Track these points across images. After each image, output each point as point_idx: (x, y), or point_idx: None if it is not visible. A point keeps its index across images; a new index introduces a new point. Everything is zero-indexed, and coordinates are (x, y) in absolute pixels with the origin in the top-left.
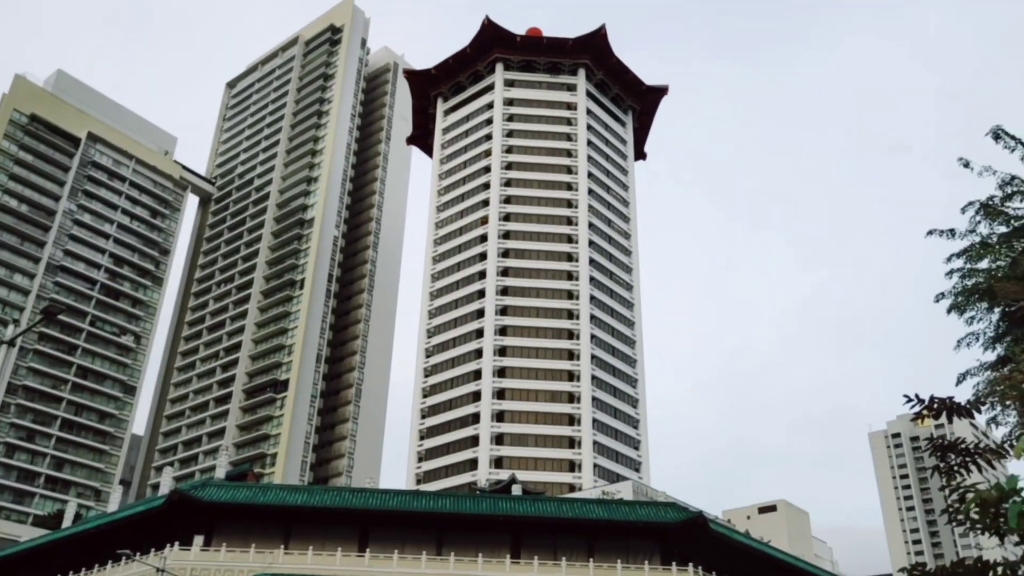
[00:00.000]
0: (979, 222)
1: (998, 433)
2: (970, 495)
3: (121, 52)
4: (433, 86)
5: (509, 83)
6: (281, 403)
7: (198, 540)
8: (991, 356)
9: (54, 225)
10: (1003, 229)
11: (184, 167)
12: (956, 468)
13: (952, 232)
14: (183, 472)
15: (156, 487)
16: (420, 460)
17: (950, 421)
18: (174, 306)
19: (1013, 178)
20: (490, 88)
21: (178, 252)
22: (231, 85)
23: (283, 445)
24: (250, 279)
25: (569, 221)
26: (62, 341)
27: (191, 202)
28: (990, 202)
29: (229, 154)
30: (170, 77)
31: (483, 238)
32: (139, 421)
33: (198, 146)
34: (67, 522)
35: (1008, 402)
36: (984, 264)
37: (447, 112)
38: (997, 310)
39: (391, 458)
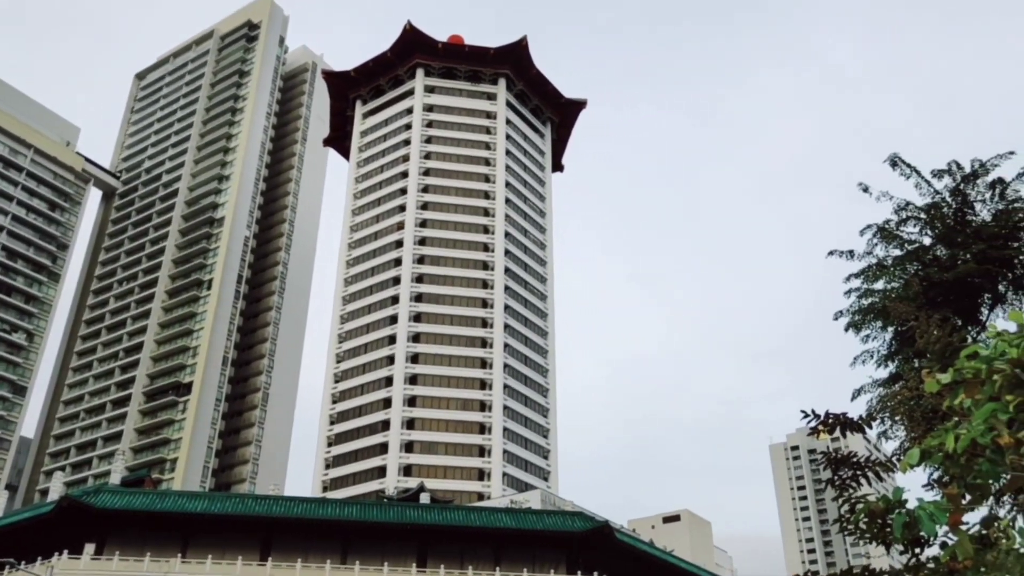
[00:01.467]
0: (876, 244)
1: (888, 447)
2: (860, 506)
3: (21, 37)
4: (352, 88)
5: (429, 89)
6: (183, 406)
7: (89, 548)
8: (884, 373)
9: None
10: (898, 252)
11: (87, 159)
12: (848, 481)
13: (851, 253)
14: (75, 477)
15: (45, 493)
16: (327, 467)
17: (844, 436)
18: (71, 303)
19: (908, 204)
20: (410, 93)
21: (78, 247)
22: (140, 77)
23: (184, 450)
24: (155, 277)
25: (486, 230)
26: None
27: (93, 196)
28: (886, 226)
29: (136, 148)
30: (73, 65)
31: (398, 244)
32: (29, 423)
33: (103, 139)
34: None
35: (897, 417)
36: (880, 285)
37: (365, 115)
38: (891, 329)
39: (297, 465)
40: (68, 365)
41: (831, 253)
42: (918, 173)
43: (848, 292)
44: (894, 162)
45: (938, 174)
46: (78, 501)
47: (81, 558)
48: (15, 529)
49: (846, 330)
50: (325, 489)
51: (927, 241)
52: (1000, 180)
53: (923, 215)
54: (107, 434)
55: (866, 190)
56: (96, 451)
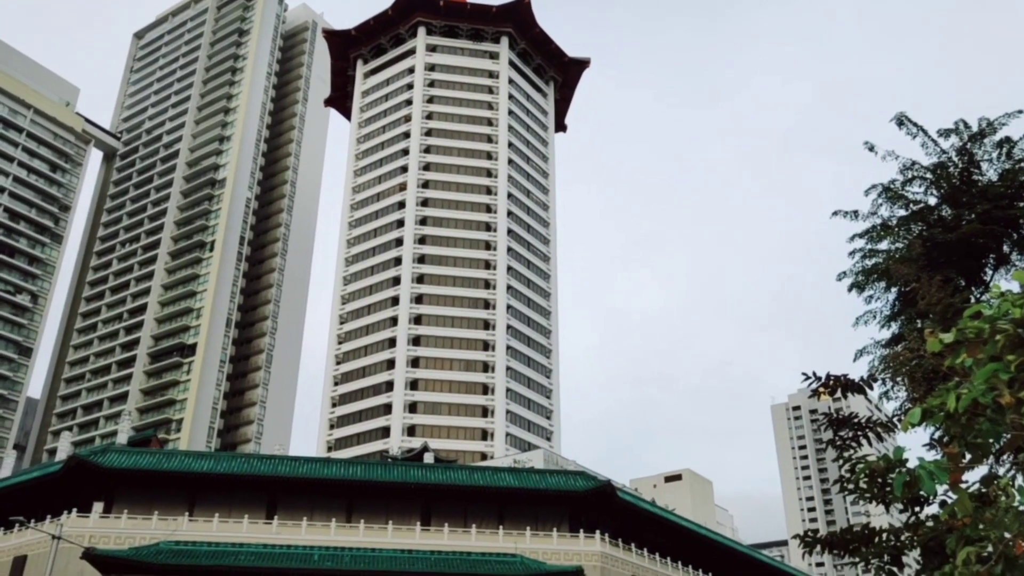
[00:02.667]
0: (881, 205)
1: (889, 407)
2: (860, 466)
3: None
4: (353, 47)
5: (431, 48)
6: (188, 367)
7: (97, 507)
8: (886, 334)
9: None
10: (902, 212)
11: (87, 119)
12: (848, 441)
13: (856, 213)
14: (82, 437)
15: (53, 452)
16: (332, 427)
17: (845, 396)
18: (75, 265)
19: (913, 163)
20: (411, 52)
21: (80, 208)
22: (139, 36)
23: (189, 410)
24: (157, 239)
25: (488, 190)
26: None
27: (94, 157)
28: (891, 186)
29: (136, 108)
30: (72, 24)
31: (401, 204)
32: (35, 384)
33: (103, 99)
34: None
35: (898, 378)
36: (884, 245)
37: (367, 75)
38: (893, 290)
39: (302, 425)
40: (73, 326)
41: (835, 213)
42: (924, 132)
43: (852, 253)
44: (900, 121)
45: (945, 133)
46: (86, 461)
47: (90, 516)
48: (24, 488)
49: (849, 291)
50: (330, 449)
51: (932, 201)
52: (1007, 139)
53: (929, 175)
54: (113, 395)
55: (871, 149)
56: (102, 412)
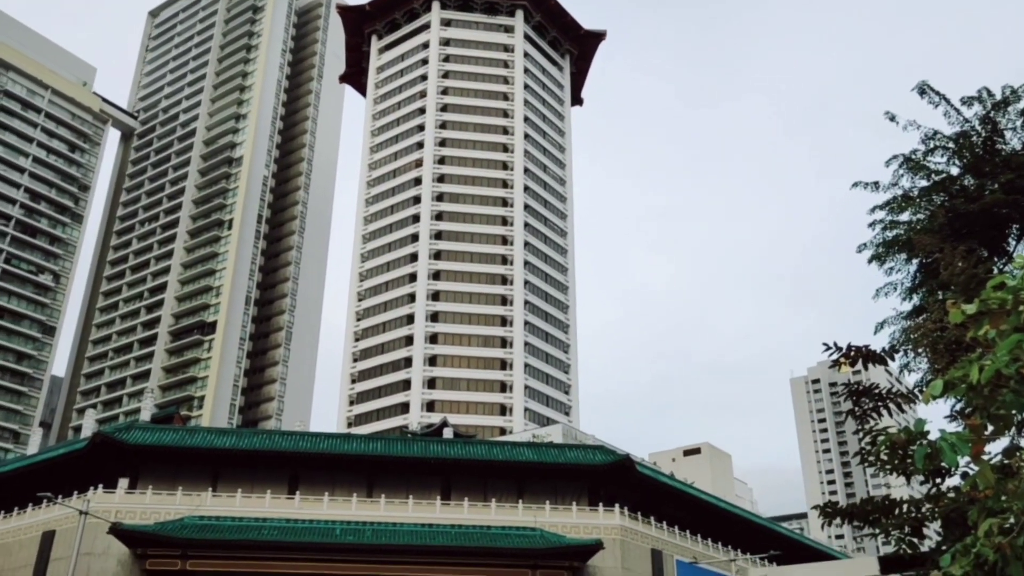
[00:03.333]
0: (902, 175)
1: (910, 379)
2: (881, 438)
3: None
4: (367, 23)
5: (446, 23)
6: (209, 345)
7: (122, 483)
8: (907, 306)
9: None
10: (924, 183)
11: (104, 99)
12: (869, 412)
13: (876, 185)
14: (106, 415)
15: (78, 430)
16: (351, 403)
17: (866, 368)
18: (95, 244)
19: (935, 133)
20: (426, 27)
21: (99, 188)
22: (154, 14)
23: (211, 388)
24: (176, 218)
25: (504, 166)
26: None
27: (112, 137)
28: (913, 156)
29: (152, 87)
30: (87, 2)
31: (417, 181)
32: (60, 362)
33: (119, 79)
34: None
35: (920, 349)
36: (905, 216)
37: (381, 51)
38: (915, 261)
39: (322, 402)
40: (95, 305)
41: (855, 185)
42: (947, 101)
43: (872, 224)
44: (922, 90)
45: (968, 102)
46: (110, 437)
47: (115, 492)
48: (51, 465)
49: (869, 262)
50: (350, 425)
51: (955, 171)
52: None
53: (951, 144)
54: (135, 372)
55: (893, 119)
56: (126, 389)
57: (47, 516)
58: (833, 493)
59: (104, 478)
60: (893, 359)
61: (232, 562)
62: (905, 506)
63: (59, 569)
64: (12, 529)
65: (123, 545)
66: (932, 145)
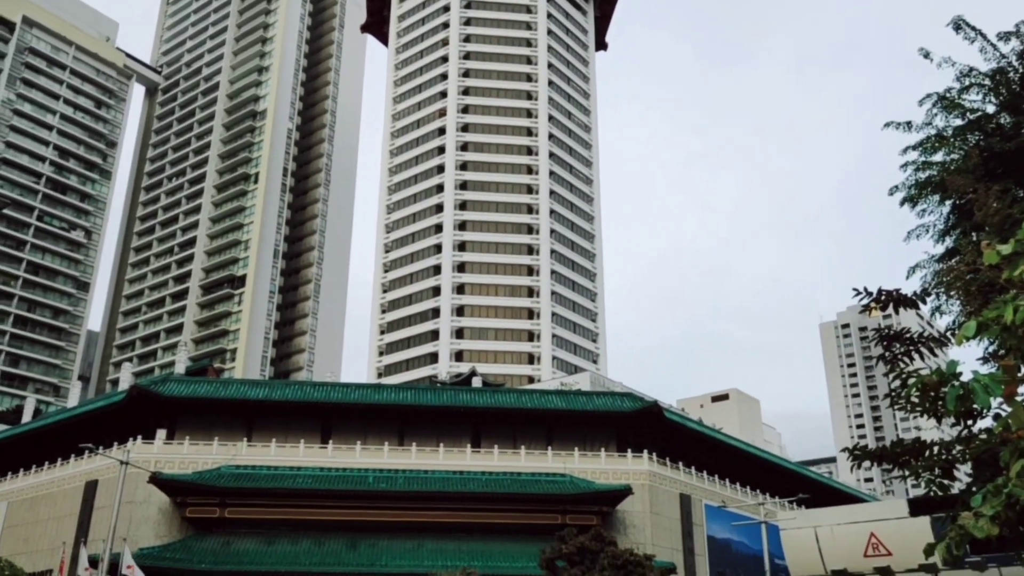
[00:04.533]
0: (936, 115)
1: (942, 323)
2: (912, 380)
3: None
4: None
5: None
6: (239, 299)
7: (160, 434)
8: (940, 248)
9: None
10: (959, 122)
11: (127, 55)
12: (900, 356)
13: (909, 125)
14: (142, 368)
15: (115, 383)
16: (381, 354)
17: (897, 312)
18: (125, 200)
19: (971, 70)
20: None
21: (126, 144)
22: None
23: (242, 341)
24: (202, 172)
25: (529, 113)
26: (10, 237)
27: (137, 92)
28: (947, 94)
29: (175, 41)
30: None
31: (441, 131)
32: (95, 317)
33: (141, 32)
34: (27, 417)
35: (952, 292)
36: (938, 157)
37: None
38: (948, 203)
39: (352, 353)
40: (127, 261)
41: (887, 125)
42: (983, 36)
43: (904, 166)
44: (958, 25)
45: (1005, 37)
46: (147, 390)
47: (154, 443)
48: (91, 417)
49: (901, 204)
50: (380, 375)
51: (990, 109)
52: None
53: (987, 81)
54: (169, 326)
55: (927, 56)
56: (160, 343)
57: (89, 466)
58: (862, 437)
59: (142, 429)
60: (925, 302)
61: (269, 509)
62: (936, 448)
63: (103, 517)
64: (56, 479)
65: (163, 494)
66: (967, 83)
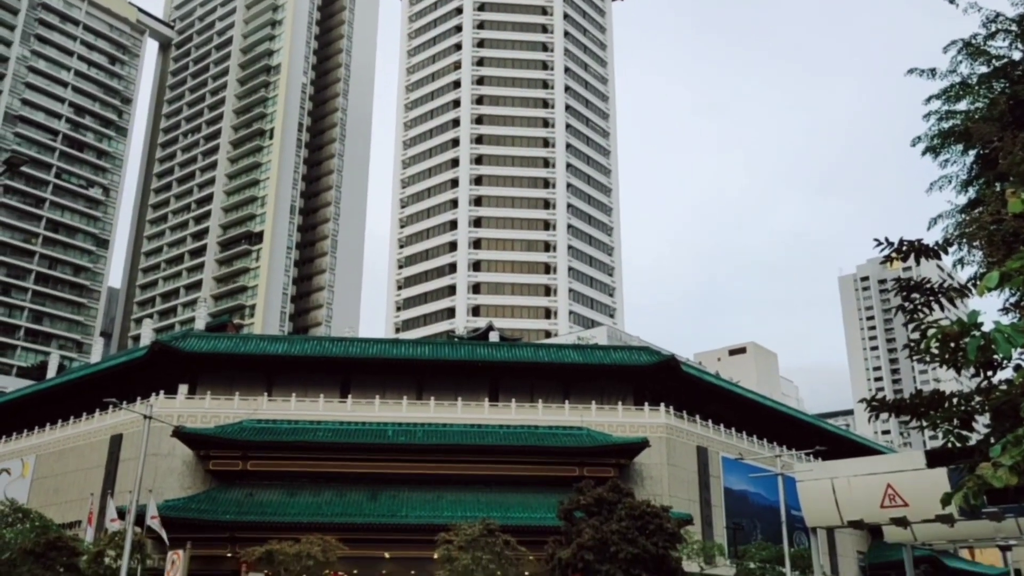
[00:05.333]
0: (960, 62)
1: (963, 274)
2: (932, 331)
3: None
4: None
5: None
6: (257, 255)
7: (182, 389)
8: (962, 199)
9: (8, 72)
10: (984, 69)
11: (140, 9)
12: (919, 307)
13: (932, 72)
14: (163, 324)
15: (137, 339)
16: (398, 309)
17: (918, 263)
18: (141, 157)
19: (998, 15)
20: None
21: (141, 101)
22: None
23: (261, 296)
24: (217, 128)
25: (544, 65)
26: (29, 194)
27: (151, 48)
28: (973, 41)
29: None
30: None
31: (456, 84)
32: (115, 274)
33: None
34: (51, 373)
35: (975, 242)
36: (962, 106)
37: None
38: (972, 152)
39: (370, 308)
40: (144, 218)
41: (911, 71)
42: None
43: (927, 115)
44: None
45: None
46: (168, 346)
47: (176, 397)
48: (114, 372)
49: (923, 155)
50: (398, 331)
51: (1017, 56)
52: None
53: (1014, 27)
54: (188, 283)
55: (952, 1)
56: (179, 299)
57: (114, 420)
58: (880, 390)
59: (164, 384)
60: (947, 252)
61: (290, 462)
62: (955, 399)
63: (128, 469)
64: (83, 432)
65: (187, 447)
66: (993, 29)
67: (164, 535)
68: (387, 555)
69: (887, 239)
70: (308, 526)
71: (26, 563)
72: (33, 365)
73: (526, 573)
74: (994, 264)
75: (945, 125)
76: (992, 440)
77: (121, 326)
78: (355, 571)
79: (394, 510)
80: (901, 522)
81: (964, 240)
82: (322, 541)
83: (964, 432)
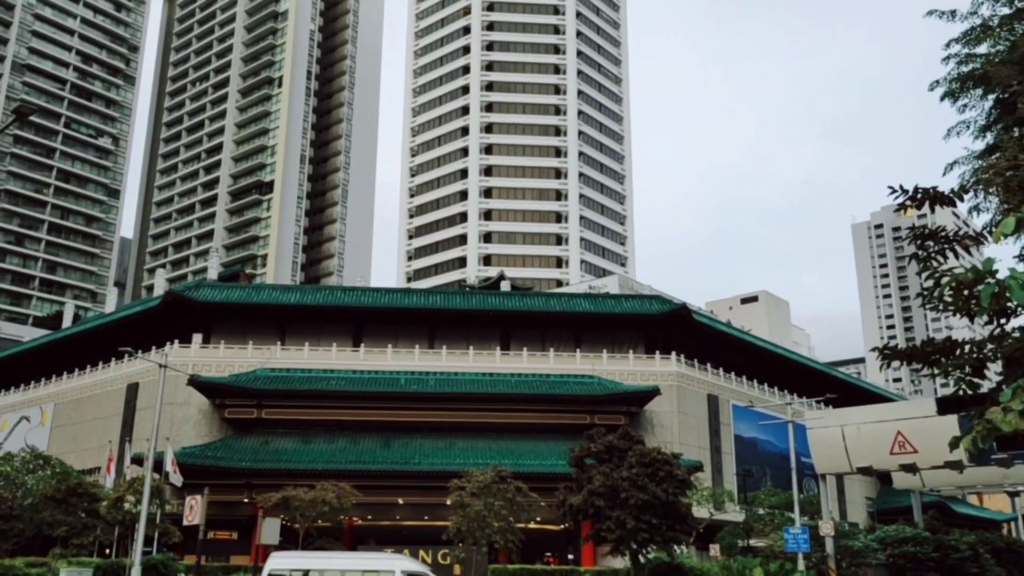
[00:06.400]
0: (982, 3)
1: (979, 222)
2: (946, 279)
3: None
4: None
5: None
6: (267, 205)
7: (196, 338)
8: (980, 145)
9: (14, 21)
10: (1006, 11)
11: None
12: (933, 255)
13: (953, 14)
14: (175, 274)
15: (151, 289)
16: (409, 259)
17: (932, 210)
18: (150, 107)
19: None
20: None
21: (148, 49)
22: None
23: (272, 246)
24: (225, 77)
25: (555, 10)
26: (39, 144)
27: None
28: None
29: None
30: None
31: (466, 30)
32: (127, 224)
33: None
34: (67, 322)
35: (992, 189)
36: (983, 49)
37: None
38: (991, 97)
39: (381, 258)
40: (155, 168)
41: (930, 13)
42: None
43: (946, 59)
44: None
45: None
46: (181, 295)
47: (191, 347)
48: (128, 322)
49: (941, 100)
50: (409, 280)
51: None
52: None
53: None
54: (199, 233)
55: None
56: (191, 249)
57: (130, 370)
58: (892, 338)
59: (178, 334)
60: (962, 199)
61: (305, 410)
62: (967, 347)
63: (145, 417)
64: (100, 381)
65: (202, 395)
66: None
67: (179, 481)
68: (400, 501)
69: (901, 186)
70: (323, 473)
71: (48, 508)
72: (48, 315)
73: (537, 519)
74: (1010, 210)
75: (964, 69)
76: (1003, 388)
77: (134, 276)
78: (369, 516)
79: (407, 457)
80: (910, 468)
81: (980, 187)
82: (336, 488)
83: (976, 380)
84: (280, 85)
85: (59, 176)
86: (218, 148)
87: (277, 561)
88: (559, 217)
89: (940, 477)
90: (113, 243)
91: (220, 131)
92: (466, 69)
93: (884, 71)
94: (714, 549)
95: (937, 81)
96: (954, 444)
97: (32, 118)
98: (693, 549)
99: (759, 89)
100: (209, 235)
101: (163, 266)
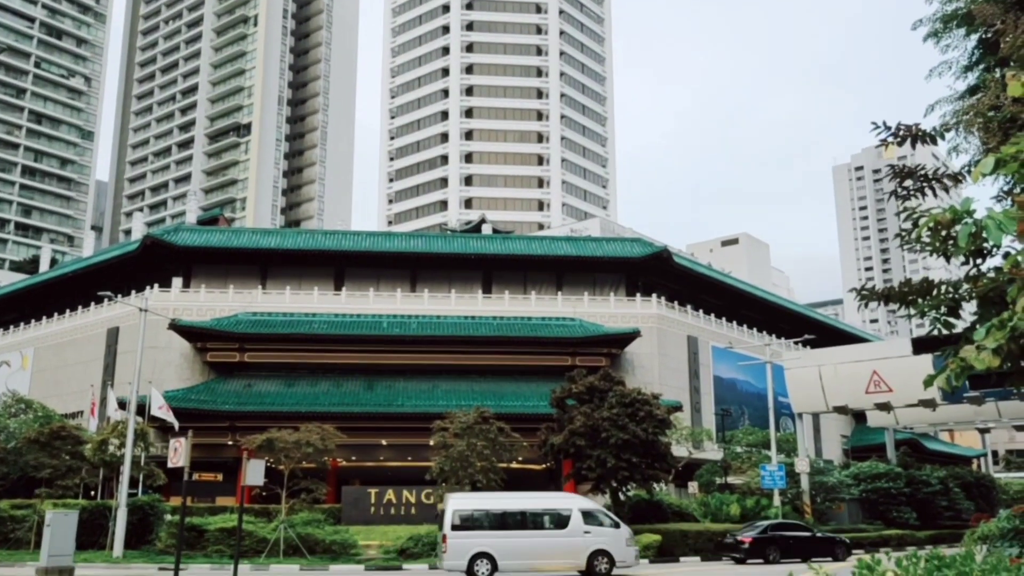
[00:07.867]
0: None
1: (958, 163)
2: (924, 219)
3: None
4: None
5: None
6: (246, 147)
7: (176, 282)
8: (962, 85)
9: None
10: None
11: None
12: (912, 193)
13: None
14: (153, 218)
15: (128, 232)
16: (390, 202)
17: (914, 147)
18: (123, 46)
19: None
20: None
21: None
22: None
23: (251, 189)
24: (200, 15)
25: None
26: (10, 85)
27: None
28: None
29: None
30: None
31: None
32: (102, 167)
33: None
34: (44, 267)
35: (972, 128)
36: None
37: None
38: (974, 37)
39: (361, 201)
40: (129, 109)
41: None
42: None
43: None
44: None
45: None
46: (160, 240)
47: (171, 291)
48: (107, 267)
49: (925, 40)
50: (390, 223)
51: None
52: None
53: None
54: (177, 176)
55: None
56: (169, 192)
57: (110, 314)
58: (870, 279)
59: (158, 278)
60: (944, 138)
61: (287, 353)
62: (943, 287)
63: (126, 361)
64: (80, 326)
65: (184, 340)
66: None
67: (174, 421)
68: (384, 442)
69: (884, 123)
70: (307, 415)
71: (32, 451)
72: (25, 259)
73: (519, 459)
74: (990, 151)
75: (949, 8)
76: (977, 327)
77: (111, 220)
78: (353, 457)
79: (390, 399)
80: (885, 407)
81: (961, 127)
82: (320, 429)
83: (951, 319)
84: (256, 24)
85: (31, 117)
86: (194, 89)
87: (458, 501)
88: (540, 160)
89: (913, 415)
90: (89, 186)
91: (195, 71)
92: (446, 8)
93: (866, 9)
94: (693, 487)
95: (920, 20)
96: (928, 382)
97: (1, 58)
98: (672, 487)
99: (740, 30)
100: (187, 178)
101: (140, 210)
